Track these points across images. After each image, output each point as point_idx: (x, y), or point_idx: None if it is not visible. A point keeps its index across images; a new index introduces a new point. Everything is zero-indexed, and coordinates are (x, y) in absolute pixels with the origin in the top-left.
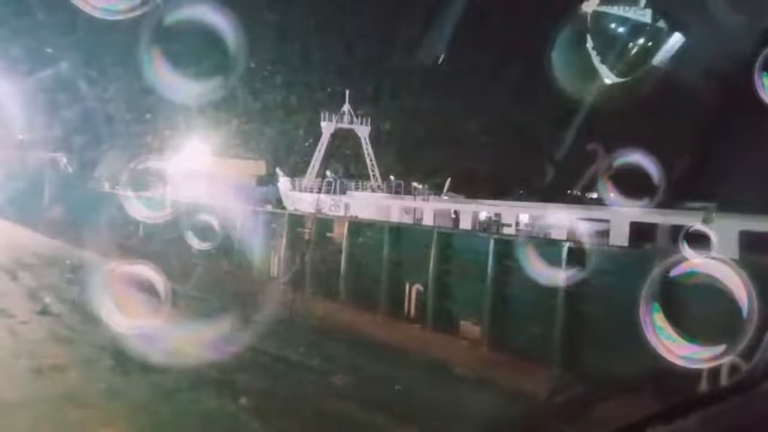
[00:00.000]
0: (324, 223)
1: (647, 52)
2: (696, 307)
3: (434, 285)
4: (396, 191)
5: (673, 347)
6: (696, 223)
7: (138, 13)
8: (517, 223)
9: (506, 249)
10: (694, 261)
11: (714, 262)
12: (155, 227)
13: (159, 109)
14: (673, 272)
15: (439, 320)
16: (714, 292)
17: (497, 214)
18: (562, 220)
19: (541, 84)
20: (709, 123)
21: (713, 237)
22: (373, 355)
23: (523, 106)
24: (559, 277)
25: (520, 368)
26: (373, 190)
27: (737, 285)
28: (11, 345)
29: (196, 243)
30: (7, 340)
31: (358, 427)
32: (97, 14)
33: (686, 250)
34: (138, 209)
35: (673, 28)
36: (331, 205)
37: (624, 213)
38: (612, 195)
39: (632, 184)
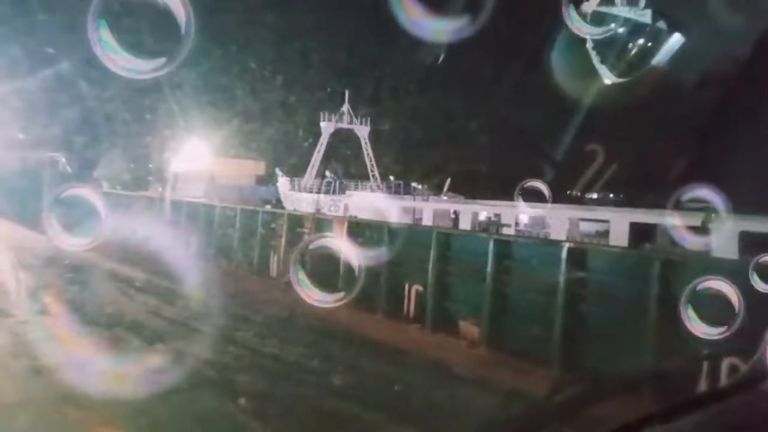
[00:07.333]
0: (323, 223)
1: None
2: None
3: (433, 285)
4: (395, 191)
5: None
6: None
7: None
8: (517, 224)
9: (505, 249)
10: None
11: None
12: (155, 228)
13: (159, 109)
14: None
15: (439, 320)
16: None
17: (497, 215)
18: (561, 220)
19: (540, 84)
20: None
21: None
22: (372, 354)
23: (523, 106)
24: (558, 277)
25: (519, 368)
26: (372, 191)
27: None
28: (10, 345)
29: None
30: (6, 340)
31: (357, 427)
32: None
33: (759, 283)
34: (64, 238)
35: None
36: (330, 205)
37: (623, 213)
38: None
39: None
